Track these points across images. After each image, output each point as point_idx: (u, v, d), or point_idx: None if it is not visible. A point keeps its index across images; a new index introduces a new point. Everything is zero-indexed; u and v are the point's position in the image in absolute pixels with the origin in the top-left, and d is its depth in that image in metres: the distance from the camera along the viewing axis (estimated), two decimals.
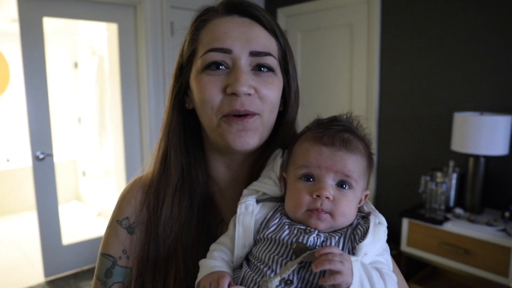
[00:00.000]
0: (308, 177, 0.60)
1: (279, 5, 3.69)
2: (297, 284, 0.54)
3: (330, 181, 0.60)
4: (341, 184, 0.60)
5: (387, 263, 0.60)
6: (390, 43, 2.97)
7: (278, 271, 0.55)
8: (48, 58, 4.57)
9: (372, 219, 0.60)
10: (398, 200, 3.04)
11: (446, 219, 2.37)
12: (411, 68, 2.88)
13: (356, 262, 0.53)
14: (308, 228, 0.58)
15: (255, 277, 0.56)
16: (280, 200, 0.65)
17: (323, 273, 0.54)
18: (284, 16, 3.68)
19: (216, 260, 0.61)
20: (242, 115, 0.63)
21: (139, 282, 0.68)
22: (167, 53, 3.23)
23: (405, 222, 2.52)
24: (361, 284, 0.52)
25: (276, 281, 0.53)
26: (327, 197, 0.58)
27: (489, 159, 2.42)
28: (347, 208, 0.59)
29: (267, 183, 0.64)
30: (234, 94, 0.62)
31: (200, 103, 0.65)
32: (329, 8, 3.32)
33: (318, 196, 0.58)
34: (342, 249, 0.57)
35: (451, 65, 2.66)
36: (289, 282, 0.54)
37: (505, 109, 2.43)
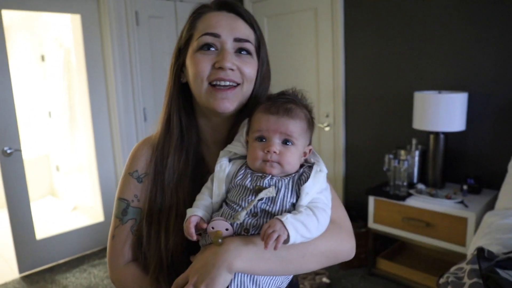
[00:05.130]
0: (261, 138, 0.80)
1: None
2: (260, 215, 0.75)
3: (276, 140, 0.79)
4: (285, 142, 0.79)
5: (326, 199, 0.79)
6: (353, 25, 3.03)
7: (244, 205, 0.76)
8: (13, 52, 4.47)
9: (314, 167, 0.80)
10: (366, 179, 3.13)
11: (409, 195, 2.47)
12: (373, 49, 2.94)
13: (285, 219, 0.69)
14: (264, 174, 0.78)
15: (230, 212, 0.76)
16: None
17: (278, 210, 0.75)
18: (250, 2, 3.68)
19: (196, 208, 0.80)
20: (226, 87, 0.83)
21: (148, 219, 0.89)
22: (133, 43, 3.20)
23: (371, 200, 2.61)
24: (295, 230, 0.69)
25: (244, 214, 0.73)
26: (274, 152, 0.77)
27: (448, 135, 2.51)
28: (291, 158, 0.79)
29: (237, 145, 0.84)
30: (221, 68, 0.82)
31: (194, 75, 0.84)
32: None
33: (268, 151, 0.78)
34: (292, 189, 0.76)
35: (411, 46, 2.73)
36: (255, 214, 0.74)
37: (462, 87, 2.52)
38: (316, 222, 0.73)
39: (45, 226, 3.52)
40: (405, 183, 2.52)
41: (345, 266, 2.86)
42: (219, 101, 0.83)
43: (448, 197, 2.34)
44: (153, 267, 0.86)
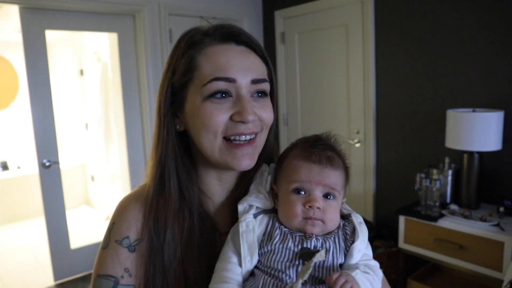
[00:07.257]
0: (299, 190, 0.69)
1: (276, 7, 3.74)
2: (311, 282, 0.64)
3: (318, 193, 0.69)
4: (327, 195, 0.70)
5: (369, 252, 0.71)
6: (385, 41, 3.00)
7: (291, 274, 0.64)
8: (55, 67, 4.69)
9: (354, 219, 0.71)
10: (397, 197, 3.07)
11: (442, 216, 2.40)
12: (405, 66, 2.90)
13: (357, 275, 0.62)
14: (306, 234, 0.67)
15: (276, 282, 0.63)
16: (272, 211, 0.72)
17: (326, 274, 0.64)
18: (281, 18, 3.73)
19: (225, 283, 0.65)
20: (242, 142, 0.69)
21: None
22: (166, 59, 3.29)
23: (402, 220, 2.55)
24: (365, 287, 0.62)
25: (300, 283, 0.61)
26: (318, 207, 0.67)
27: (483, 155, 2.43)
28: (334, 215, 0.69)
29: (260, 198, 0.71)
30: (242, 122, 0.68)
31: (203, 127, 0.68)
32: (325, 9, 3.36)
33: (310, 207, 0.67)
34: (340, 248, 0.67)
35: (444, 62, 2.68)
36: (304, 282, 0.62)
37: (497, 105, 2.44)
38: (377, 280, 0.67)
39: (79, 236, 3.64)
40: (437, 203, 2.45)
41: None
42: (239, 159, 0.69)
43: (482, 219, 2.26)
44: None
